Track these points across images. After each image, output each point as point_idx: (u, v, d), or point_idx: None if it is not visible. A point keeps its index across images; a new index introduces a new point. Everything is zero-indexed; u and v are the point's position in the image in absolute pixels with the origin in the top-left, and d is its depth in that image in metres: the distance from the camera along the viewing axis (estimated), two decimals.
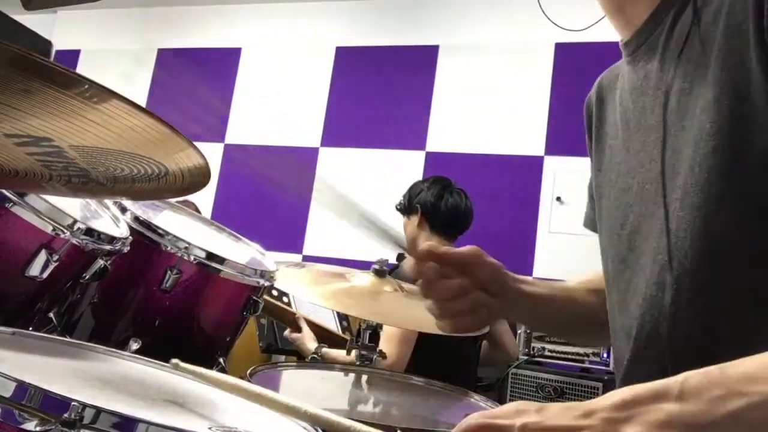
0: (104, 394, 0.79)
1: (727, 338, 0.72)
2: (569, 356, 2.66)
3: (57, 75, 0.43)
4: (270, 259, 1.55)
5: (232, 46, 4.74)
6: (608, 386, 2.44)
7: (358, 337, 1.81)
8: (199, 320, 1.39)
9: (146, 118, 0.48)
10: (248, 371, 1.24)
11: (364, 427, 0.65)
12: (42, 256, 1.02)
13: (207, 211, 4.22)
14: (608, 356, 2.57)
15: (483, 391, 2.48)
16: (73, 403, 0.61)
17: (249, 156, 4.51)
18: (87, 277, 1.15)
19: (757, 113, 0.69)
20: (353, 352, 1.71)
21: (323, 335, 2.35)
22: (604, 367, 2.57)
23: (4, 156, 0.58)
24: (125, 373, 0.94)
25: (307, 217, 4.27)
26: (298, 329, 2.33)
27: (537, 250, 3.76)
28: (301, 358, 2.27)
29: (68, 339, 1.11)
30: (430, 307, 0.99)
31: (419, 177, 3.52)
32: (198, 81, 4.75)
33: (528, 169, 3.88)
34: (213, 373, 0.87)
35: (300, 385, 1.43)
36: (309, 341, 2.27)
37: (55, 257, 1.03)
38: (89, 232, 1.09)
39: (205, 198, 4.29)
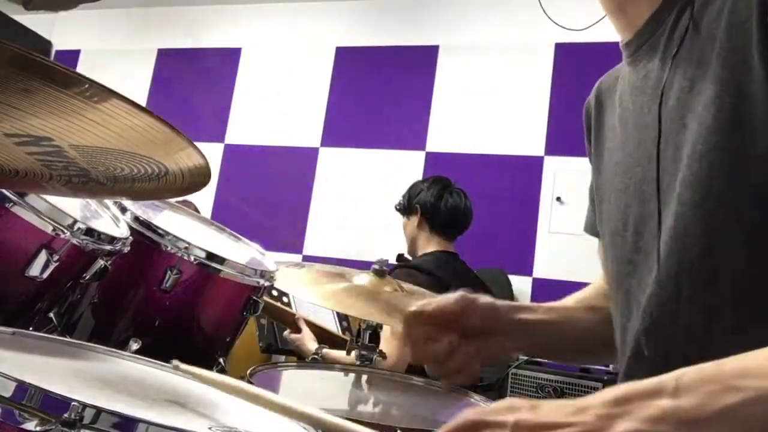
0: (104, 394, 0.79)
1: (728, 335, 0.72)
2: None
3: (57, 74, 0.43)
4: (270, 259, 1.55)
5: (232, 46, 4.74)
6: (608, 386, 2.44)
7: (358, 337, 1.81)
8: (199, 320, 1.39)
9: (146, 117, 0.48)
10: (248, 371, 1.24)
11: (361, 428, 0.65)
12: (42, 256, 1.02)
13: (207, 211, 4.21)
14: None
15: (483, 391, 2.48)
16: (73, 403, 0.61)
17: (249, 156, 4.51)
18: (87, 277, 1.15)
19: (758, 110, 0.69)
20: (353, 353, 1.71)
21: (323, 336, 2.35)
22: (604, 367, 2.57)
23: (4, 156, 0.58)
24: (125, 373, 0.94)
25: (307, 217, 4.27)
26: (298, 330, 2.32)
27: (537, 250, 3.76)
28: (301, 359, 2.27)
29: (68, 339, 1.11)
30: (426, 368, 0.99)
31: (419, 177, 3.52)
32: (198, 81, 4.75)
33: (528, 169, 3.88)
34: (213, 375, 0.87)
35: (300, 386, 1.43)
36: (309, 342, 2.27)
37: (56, 257, 1.03)
38: (89, 232, 1.09)
39: (205, 198, 4.29)
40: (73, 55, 5.05)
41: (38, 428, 0.61)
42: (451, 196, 2.50)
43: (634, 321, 0.84)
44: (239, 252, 1.54)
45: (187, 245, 1.31)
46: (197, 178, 0.58)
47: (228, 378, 0.88)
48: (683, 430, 0.52)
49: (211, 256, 1.34)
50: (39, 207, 1.01)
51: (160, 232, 1.31)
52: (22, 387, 0.62)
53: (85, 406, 0.62)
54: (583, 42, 3.40)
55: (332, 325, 2.54)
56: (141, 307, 1.33)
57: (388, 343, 2.05)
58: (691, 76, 0.78)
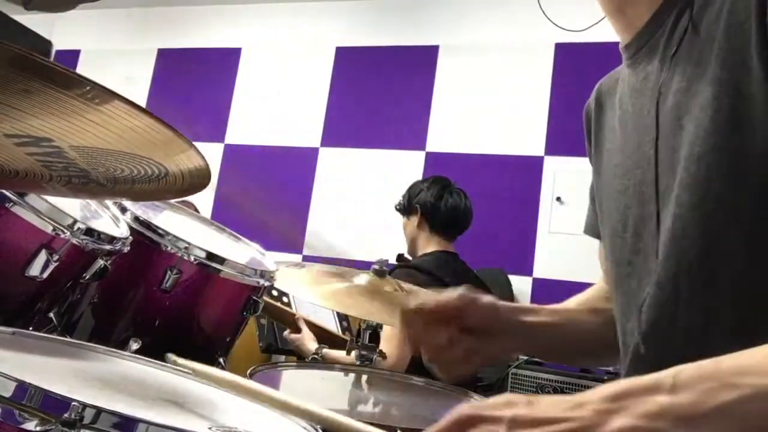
0: (104, 394, 0.79)
1: (727, 336, 0.72)
2: None
3: (57, 75, 0.43)
4: (270, 259, 1.55)
5: (232, 46, 4.74)
6: None
7: (358, 337, 1.81)
8: (199, 320, 1.39)
9: (147, 118, 0.48)
10: (248, 371, 1.24)
11: (352, 422, 0.65)
12: (42, 256, 1.02)
13: (207, 211, 4.21)
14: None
15: (483, 391, 2.48)
16: (73, 403, 0.61)
17: (249, 156, 4.51)
18: (87, 277, 1.15)
19: (757, 111, 0.69)
20: (353, 353, 1.71)
21: (323, 336, 2.35)
22: (604, 367, 2.57)
23: (5, 156, 0.58)
24: (125, 373, 0.94)
25: (307, 217, 4.27)
26: (298, 330, 2.33)
27: (537, 250, 3.76)
28: (301, 359, 2.27)
29: (68, 339, 1.11)
30: (425, 359, 0.98)
31: (419, 177, 3.51)
32: (198, 81, 4.75)
33: (528, 169, 3.88)
34: (207, 368, 0.87)
35: (300, 385, 1.43)
36: (309, 342, 2.27)
37: (55, 257, 1.03)
38: (89, 232, 1.09)
39: (205, 198, 4.29)
40: (73, 55, 5.05)
41: (38, 428, 0.61)
42: (451, 196, 2.50)
43: (633, 322, 0.84)
44: (239, 252, 1.54)
45: (187, 245, 1.31)
46: (197, 180, 0.58)
47: (223, 372, 0.88)
48: (680, 426, 0.53)
49: (211, 256, 1.34)
50: (39, 207, 1.01)
51: (160, 232, 1.31)
52: (22, 387, 0.62)
53: (85, 406, 0.62)
54: (583, 42, 3.40)
55: (332, 325, 2.54)
56: (141, 307, 1.33)
57: (388, 343, 2.05)
58: (689, 77, 0.78)
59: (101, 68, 4.76)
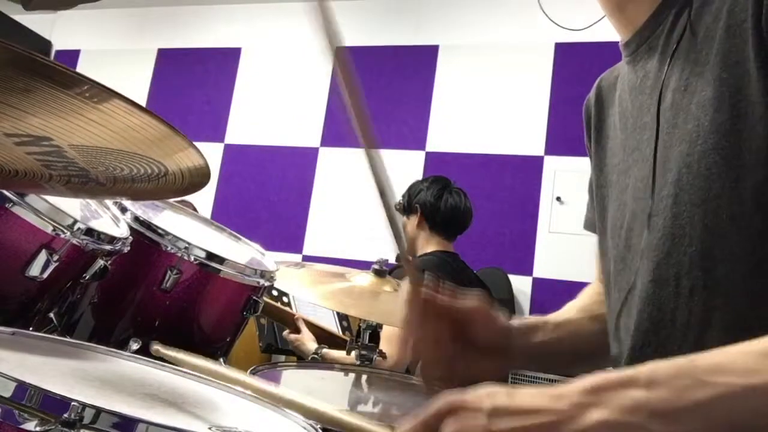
0: (104, 394, 0.79)
1: (726, 336, 0.72)
2: None
3: (57, 74, 0.43)
4: (270, 259, 1.55)
5: (232, 46, 4.74)
6: None
7: (357, 337, 1.81)
8: (199, 320, 1.39)
9: (146, 117, 0.48)
10: (248, 371, 1.24)
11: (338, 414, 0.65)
12: (42, 256, 1.02)
13: (207, 211, 4.22)
14: None
15: None
16: (73, 403, 0.61)
17: (249, 156, 4.51)
18: (87, 277, 1.15)
19: (756, 111, 0.70)
20: (353, 353, 1.71)
21: (323, 336, 2.35)
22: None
23: (4, 156, 0.58)
24: (125, 373, 0.94)
25: (307, 217, 4.27)
26: (297, 330, 2.32)
27: (537, 250, 3.76)
28: (301, 359, 2.27)
29: (68, 339, 1.11)
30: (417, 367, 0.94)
31: (419, 177, 3.51)
32: (198, 81, 4.75)
33: (528, 169, 3.88)
34: (190, 357, 0.86)
35: (300, 385, 1.43)
36: (308, 342, 2.27)
37: (56, 257, 1.03)
38: (89, 232, 1.09)
39: (205, 198, 4.30)
40: (72, 55, 5.05)
41: (38, 428, 0.61)
42: (451, 196, 2.50)
43: (628, 320, 0.84)
44: (239, 252, 1.54)
45: (187, 245, 1.31)
46: (197, 179, 0.58)
47: (207, 361, 0.87)
48: (654, 421, 0.54)
49: (211, 256, 1.34)
50: (39, 207, 1.01)
51: (160, 232, 1.31)
52: (22, 387, 0.62)
53: (85, 406, 0.62)
54: (583, 42, 3.41)
55: (332, 325, 2.54)
56: (141, 307, 1.33)
57: (388, 343, 2.05)
58: (687, 76, 0.78)
59: (101, 68, 4.76)
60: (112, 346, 1.07)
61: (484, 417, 0.57)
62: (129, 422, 0.64)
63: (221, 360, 1.44)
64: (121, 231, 1.22)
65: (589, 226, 1.09)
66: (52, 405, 0.62)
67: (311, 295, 1.58)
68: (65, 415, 0.61)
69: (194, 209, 2.91)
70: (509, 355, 0.97)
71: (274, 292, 2.29)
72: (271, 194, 4.37)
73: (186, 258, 1.31)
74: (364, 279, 1.61)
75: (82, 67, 4.99)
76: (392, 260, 2.64)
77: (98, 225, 1.16)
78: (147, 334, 1.29)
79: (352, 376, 1.52)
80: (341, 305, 1.67)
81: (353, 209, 4.16)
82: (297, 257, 4.15)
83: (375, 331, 1.74)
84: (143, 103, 4.66)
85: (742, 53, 0.72)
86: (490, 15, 4.16)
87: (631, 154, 0.88)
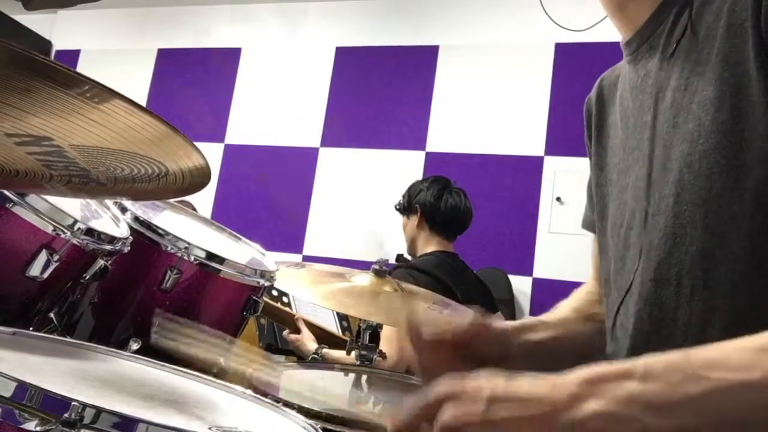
0: (104, 394, 0.79)
1: (726, 333, 0.72)
2: None
3: (58, 74, 0.43)
4: (270, 259, 1.55)
5: (232, 46, 4.74)
6: None
7: (358, 337, 1.81)
8: (199, 320, 1.39)
9: (147, 117, 0.48)
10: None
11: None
12: (42, 256, 1.02)
13: (207, 211, 4.22)
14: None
15: None
16: (73, 403, 0.61)
17: (249, 156, 4.51)
18: (87, 277, 1.15)
19: (757, 111, 0.70)
20: (353, 353, 1.71)
21: (323, 336, 2.35)
22: None
23: (5, 156, 0.58)
24: (125, 373, 0.94)
25: (307, 217, 4.27)
26: (297, 330, 2.32)
27: (537, 250, 3.76)
28: (301, 359, 2.27)
29: (68, 339, 1.11)
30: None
31: (419, 177, 3.51)
32: (198, 81, 4.75)
33: (528, 169, 3.88)
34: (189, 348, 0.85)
35: (300, 386, 1.43)
36: (308, 342, 2.27)
37: (56, 257, 1.03)
38: (89, 232, 1.09)
39: (205, 198, 4.30)
40: (72, 55, 5.05)
41: (38, 428, 0.61)
42: (451, 196, 2.50)
43: (626, 319, 0.84)
44: (239, 252, 1.54)
45: (187, 245, 1.31)
46: (197, 179, 0.58)
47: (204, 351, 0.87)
48: (649, 413, 0.55)
49: (211, 256, 1.34)
50: (39, 207, 1.01)
51: (160, 232, 1.31)
52: (22, 387, 0.62)
53: (85, 406, 0.62)
54: (583, 42, 3.40)
55: (332, 325, 2.54)
56: (141, 307, 1.33)
57: (388, 343, 2.05)
58: (688, 75, 0.78)
59: (101, 68, 4.76)
60: (112, 346, 1.07)
61: (483, 404, 0.58)
62: (129, 422, 0.64)
63: (221, 360, 1.44)
64: (121, 231, 1.22)
65: (588, 225, 1.09)
66: (52, 405, 0.62)
67: (311, 295, 1.58)
68: (65, 415, 0.61)
69: (194, 209, 2.91)
70: (509, 360, 0.96)
71: (274, 292, 2.29)
72: (271, 194, 4.37)
73: (186, 258, 1.31)
74: (364, 279, 1.61)
75: (82, 67, 4.99)
76: (392, 260, 2.65)
77: (98, 225, 1.16)
78: (147, 334, 1.29)
79: (352, 376, 1.52)
80: (341, 305, 1.66)
81: (353, 209, 4.16)
82: (297, 257, 4.15)
83: (375, 331, 1.74)
84: (143, 103, 4.65)
85: (743, 53, 0.72)
86: (490, 15, 4.16)
87: (631, 154, 0.88)
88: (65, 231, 1.04)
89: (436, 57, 4.24)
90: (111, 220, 1.26)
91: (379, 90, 4.31)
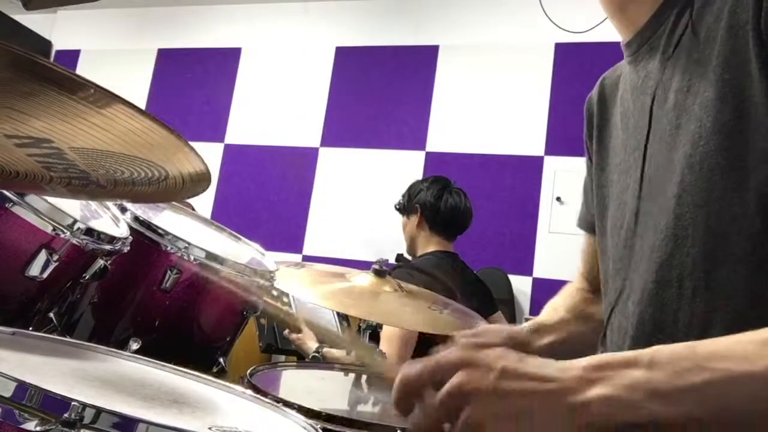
0: (104, 394, 0.79)
1: (727, 335, 0.72)
2: None
3: (59, 78, 0.43)
4: (270, 259, 1.55)
5: (232, 46, 4.74)
6: None
7: None
8: (199, 320, 1.39)
9: (148, 122, 0.48)
10: (248, 371, 1.24)
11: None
12: (42, 256, 1.02)
13: (207, 211, 4.22)
14: None
15: None
16: (73, 403, 0.62)
17: (249, 156, 4.51)
18: (87, 277, 1.15)
19: (759, 112, 0.70)
20: (353, 352, 1.71)
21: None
22: None
23: (5, 157, 0.58)
24: (125, 373, 0.95)
25: (307, 217, 4.27)
26: (298, 330, 2.33)
27: (537, 250, 3.76)
28: (301, 358, 2.27)
29: (68, 339, 1.11)
30: None
31: (419, 177, 3.51)
32: (198, 81, 4.75)
33: (528, 169, 3.88)
34: None
35: (300, 385, 1.43)
36: (309, 341, 2.27)
37: (55, 257, 1.03)
38: (89, 232, 1.09)
39: (205, 198, 4.30)
40: (72, 55, 5.05)
41: (38, 428, 0.61)
42: (451, 196, 2.50)
43: (627, 320, 0.84)
44: (239, 252, 1.54)
45: (187, 245, 1.31)
46: (197, 184, 0.58)
47: None
48: (653, 400, 0.56)
49: (211, 256, 1.34)
50: (39, 207, 1.01)
51: (160, 232, 1.31)
52: (22, 387, 0.62)
53: (85, 406, 0.62)
54: (583, 42, 3.41)
55: (332, 326, 2.54)
56: (141, 307, 1.33)
57: (388, 343, 2.05)
58: (690, 77, 0.78)
59: (101, 68, 4.76)
60: (112, 346, 1.07)
61: (494, 375, 0.60)
62: (129, 422, 0.64)
63: (221, 360, 1.44)
64: (121, 231, 1.22)
65: (583, 224, 1.10)
66: (52, 405, 0.62)
67: (311, 295, 1.58)
68: (65, 415, 0.61)
69: (192, 209, 2.91)
70: None
71: (274, 292, 2.29)
72: (271, 194, 4.37)
73: (186, 258, 1.31)
74: (364, 279, 1.60)
75: (82, 67, 4.99)
76: (392, 260, 2.64)
77: (98, 225, 1.16)
78: (147, 334, 1.29)
79: (352, 376, 1.52)
80: (341, 305, 1.66)
81: (353, 209, 4.16)
82: (297, 257, 4.15)
83: (375, 331, 1.74)
84: (143, 103, 4.66)
85: (744, 54, 0.72)
86: (490, 15, 4.16)
87: (631, 154, 0.88)
88: (65, 231, 1.04)
89: (436, 57, 4.24)
90: (111, 219, 1.26)
91: (379, 90, 4.31)
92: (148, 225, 1.31)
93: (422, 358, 0.64)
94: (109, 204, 1.29)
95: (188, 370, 1.00)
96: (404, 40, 4.34)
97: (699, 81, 0.76)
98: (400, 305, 1.58)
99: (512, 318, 3.57)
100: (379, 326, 2.09)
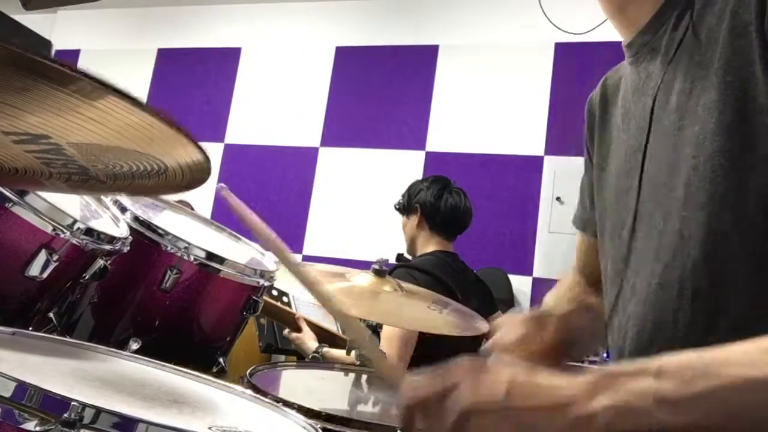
0: (104, 394, 0.79)
1: (730, 338, 0.72)
2: None
3: (51, 71, 0.43)
4: (270, 259, 1.55)
5: (232, 46, 4.74)
6: None
7: None
8: (199, 320, 1.39)
9: (144, 114, 0.48)
10: (248, 371, 1.24)
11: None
12: (42, 256, 1.02)
13: (206, 210, 4.21)
14: (609, 356, 2.56)
15: None
16: (73, 403, 0.61)
17: (249, 156, 4.51)
18: (87, 277, 1.15)
19: (761, 113, 0.70)
20: (353, 352, 1.71)
21: (323, 335, 2.35)
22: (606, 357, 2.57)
23: (3, 154, 0.58)
24: (125, 373, 0.94)
25: (307, 217, 4.27)
26: (298, 329, 2.32)
27: (537, 250, 3.76)
28: (301, 358, 2.27)
29: (68, 339, 1.11)
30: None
31: (419, 177, 3.51)
32: (198, 81, 4.75)
33: (528, 169, 3.88)
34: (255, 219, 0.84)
35: (300, 385, 1.43)
36: (309, 341, 2.27)
37: (55, 257, 1.03)
38: (89, 232, 1.09)
39: (204, 198, 4.29)
40: (72, 55, 5.05)
41: (38, 428, 0.61)
42: (450, 196, 2.49)
43: (628, 321, 0.84)
44: (239, 252, 1.54)
45: (187, 245, 1.31)
46: (197, 174, 0.58)
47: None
48: (663, 409, 0.56)
49: (211, 256, 1.34)
50: (39, 207, 1.01)
51: (160, 232, 1.31)
52: (22, 387, 0.62)
53: (85, 406, 0.62)
54: (583, 42, 3.40)
55: (332, 325, 2.54)
56: (141, 307, 1.32)
57: (388, 343, 2.05)
58: (692, 78, 0.78)
59: (101, 68, 4.74)
60: (112, 346, 1.07)
61: (503, 391, 0.60)
62: (129, 422, 0.64)
63: (221, 360, 1.43)
64: (121, 231, 1.22)
65: (579, 223, 1.10)
66: (52, 405, 0.62)
67: (311, 295, 1.58)
68: (65, 415, 0.61)
69: (191, 209, 2.91)
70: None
71: (274, 292, 2.29)
72: (271, 194, 4.37)
73: (186, 258, 1.31)
74: (364, 279, 1.60)
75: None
76: (392, 260, 2.64)
77: (98, 225, 1.16)
78: (147, 334, 1.29)
79: (352, 376, 1.52)
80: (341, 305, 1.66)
81: (353, 209, 4.16)
82: (297, 257, 4.15)
83: (375, 331, 1.74)
84: None
85: (748, 55, 0.71)
86: (490, 15, 4.16)
87: (632, 155, 0.88)
88: (65, 231, 1.04)
89: (436, 57, 4.24)
90: (111, 219, 1.25)
91: (379, 90, 4.31)
92: (148, 225, 1.31)
93: (424, 369, 0.64)
94: (109, 204, 1.28)
95: (188, 370, 1.00)
96: (404, 40, 4.34)
97: (701, 83, 0.76)
98: (400, 305, 1.58)
99: None
100: (379, 326, 2.09)
